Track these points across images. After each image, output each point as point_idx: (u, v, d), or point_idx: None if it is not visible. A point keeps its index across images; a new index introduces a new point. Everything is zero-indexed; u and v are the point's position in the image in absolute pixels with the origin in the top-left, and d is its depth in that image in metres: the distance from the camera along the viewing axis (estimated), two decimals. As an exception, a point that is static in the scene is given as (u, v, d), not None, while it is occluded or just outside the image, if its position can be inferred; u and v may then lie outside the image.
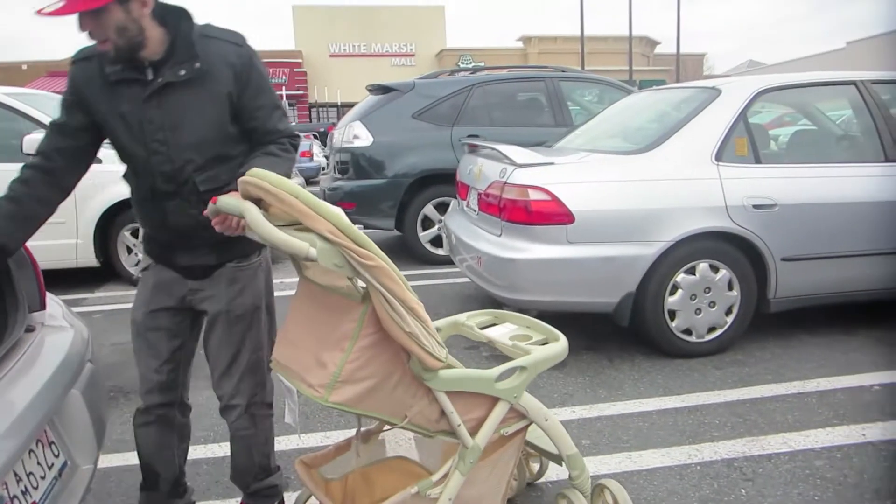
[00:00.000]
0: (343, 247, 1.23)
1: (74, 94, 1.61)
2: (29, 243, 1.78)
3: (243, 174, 1.54)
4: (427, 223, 5.45)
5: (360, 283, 1.33)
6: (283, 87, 34.15)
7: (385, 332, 1.35)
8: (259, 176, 1.30)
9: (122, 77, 1.55)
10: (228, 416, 1.80)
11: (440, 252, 5.39)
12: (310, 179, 11.32)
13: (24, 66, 31.95)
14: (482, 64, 22.89)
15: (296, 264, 1.55)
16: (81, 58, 1.61)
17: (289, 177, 1.65)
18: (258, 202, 1.38)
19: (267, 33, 79.77)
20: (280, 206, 1.27)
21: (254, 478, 1.88)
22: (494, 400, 1.60)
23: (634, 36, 27.62)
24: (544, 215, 3.08)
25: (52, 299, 1.87)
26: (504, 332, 1.94)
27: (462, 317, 2.02)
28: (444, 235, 5.29)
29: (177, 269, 1.71)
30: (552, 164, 3.27)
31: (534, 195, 3.10)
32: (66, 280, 4.95)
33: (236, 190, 1.55)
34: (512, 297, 3.23)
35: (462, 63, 32.86)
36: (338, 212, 1.26)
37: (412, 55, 37.74)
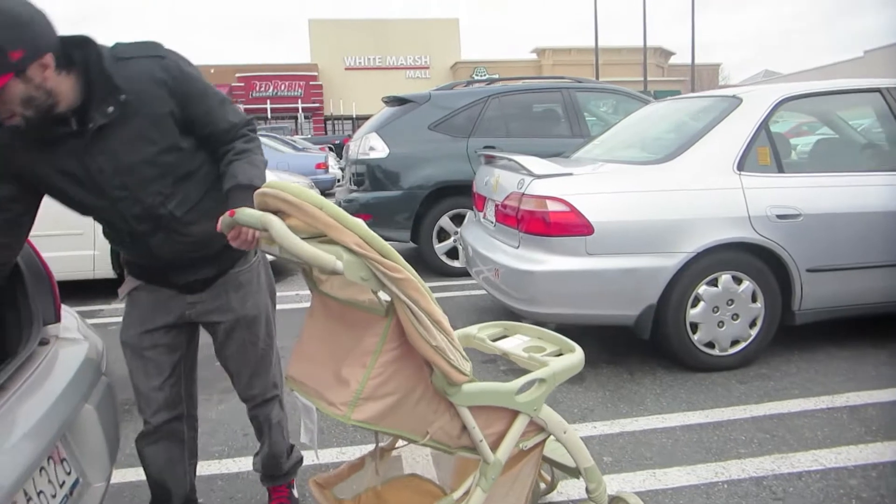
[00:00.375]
0: (369, 259, 1.20)
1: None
2: (45, 254, 1.77)
3: (233, 187, 1.50)
4: (443, 235, 5.42)
5: (384, 296, 1.30)
6: (300, 100, 34.52)
7: (407, 347, 1.32)
8: (280, 187, 1.27)
9: (50, 136, 1.42)
10: (265, 410, 1.87)
11: (456, 264, 5.35)
12: (325, 191, 11.36)
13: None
14: (497, 76, 22.93)
15: (309, 279, 1.51)
16: None
17: (266, 164, 1.64)
18: (275, 214, 1.35)
19: (283, 47, 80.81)
20: (303, 219, 1.23)
21: (287, 458, 1.98)
22: (514, 413, 1.55)
23: (649, 47, 27.58)
24: (563, 226, 3.03)
25: (67, 311, 1.86)
26: (517, 343, 1.90)
27: (473, 329, 1.98)
28: (460, 247, 5.25)
29: (173, 287, 1.67)
30: (571, 174, 3.23)
31: (552, 206, 3.06)
32: (83, 291, 4.97)
33: (214, 202, 1.52)
34: (530, 310, 3.18)
35: (476, 75, 32.97)
36: (362, 223, 1.23)
37: (427, 67, 38.02)
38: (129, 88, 1.43)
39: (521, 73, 35.00)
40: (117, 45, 1.47)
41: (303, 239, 1.27)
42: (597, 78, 22.42)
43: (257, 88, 34.69)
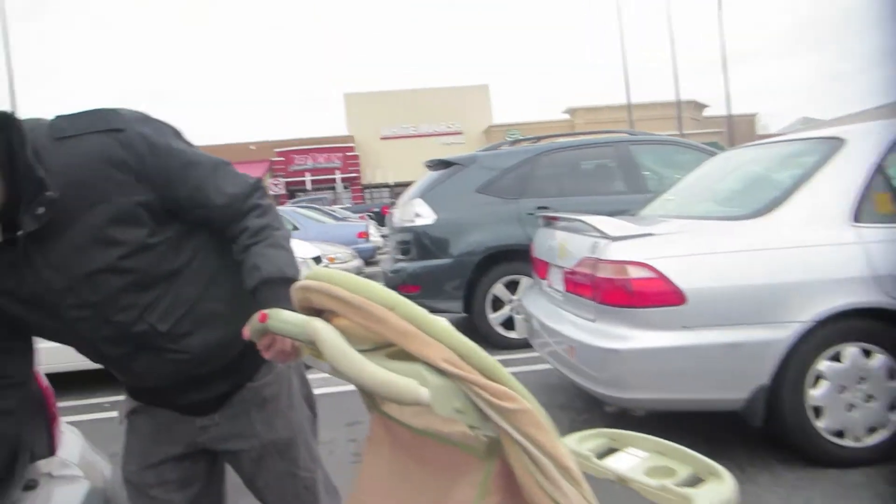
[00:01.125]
0: (467, 382, 0.81)
1: None
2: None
3: (260, 283, 1.13)
4: (497, 304, 5.01)
5: (485, 430, 0.89)
6: (338, 171, 35.22)
7: (518, 501, 0.90)
8: (329, 279, 0.91)
9: None
10: None
11: (513, 335, 4.91)
12: (368, 260, 11.12)
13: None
14: (532, 137, 22.89)
15: (365, 395, 1.12)
16: None
17: (289, 236, 1.24)
18: (317, 313, 0.99)
19: (320, 120, 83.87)
20: (364, 322, 0.86)
21: None
22: (658, 578, 1.10)
23: (682, 100, 27.39)
24: (649, 296, 2.60)
25: (69, 432, 1.50)
26: (634, 464, 1.43)
27: (570, 441, 1.53)
28: (519, 317, 4.84)
29: (176, 409, 1.29)
30: (652, 234, 2.82)
31: (635, 272, 2.64)
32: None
33: (218, 302, 1.18)
34: (614, 395, 2.71)
35: (509, 137, 33.18)
36: (452, 329, 0.85)
37: (460, 133, 38.54)
38: (71, 178, 1.06)
39: (555, 132, 35.10)
40: (57, 119, 1.11)
41: (363, 351, 0.90)
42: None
43: (296, 162, 35.57)
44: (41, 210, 1.04)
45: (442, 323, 0.88)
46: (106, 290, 1.12)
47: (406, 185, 6.18)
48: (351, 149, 36.67)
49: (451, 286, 4.96)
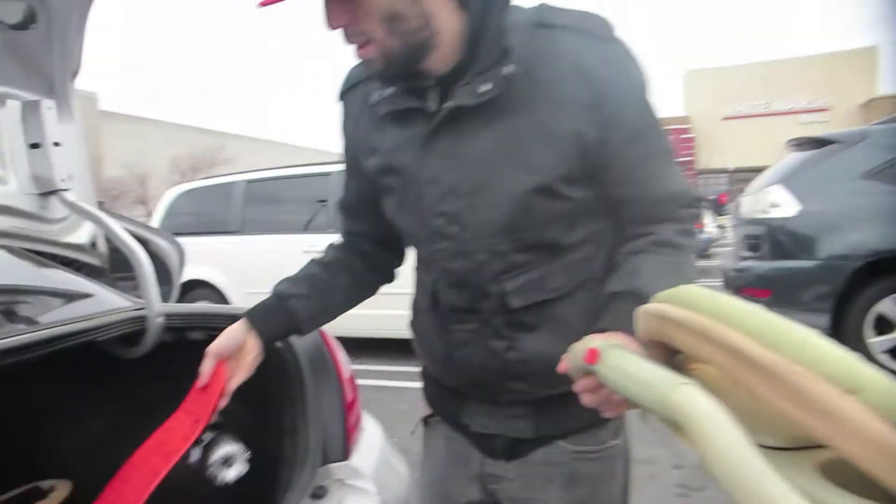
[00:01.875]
0: None
1: (346, 143, 1.06)
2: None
3: (625, 292, 0.83)
4: (882, 325, 3.86)
5: None
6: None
7: None
8: (720, 313, 0.53)
9: (392, 108, 0.91)
10: None
11: (905, 369, 3.73)
12: (701, 253, 10.08)
13: None
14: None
15: None
16: (349, 86, 1.02)
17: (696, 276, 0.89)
18: (671, 352, 0.62)
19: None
20: (788, 409, 0.46)
21: None
22: None
23: None
24: None
25: (369, 427, 1.38)
26: None
27: None
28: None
29: (466, 433, 1.01)
30: None
31: None
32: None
33: (581, 317, 0.90)
34: None
35: (897, 113, 26.75)
36: None
37: (825, 110, 32.75)
38: (530, 69, 0.84)
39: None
40: (543, 5, 0.90)
41: (767, 448, 0.50)
42: None
43: (627, 144, 34.87)
44: (486, 87, 0.85)
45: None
46: (483, 216, 0.90)
47: (749, 170, 5.26)
48: (686, 130, 34.30)
49: (813, 295, 3.99)
